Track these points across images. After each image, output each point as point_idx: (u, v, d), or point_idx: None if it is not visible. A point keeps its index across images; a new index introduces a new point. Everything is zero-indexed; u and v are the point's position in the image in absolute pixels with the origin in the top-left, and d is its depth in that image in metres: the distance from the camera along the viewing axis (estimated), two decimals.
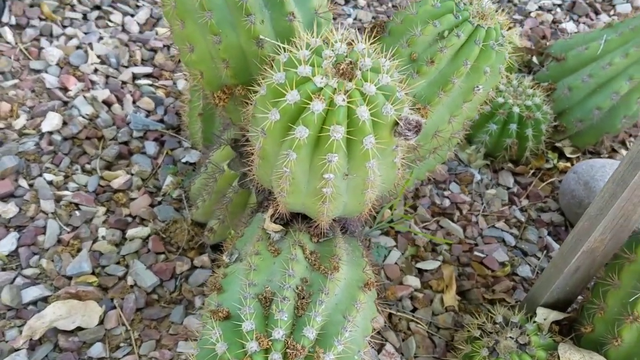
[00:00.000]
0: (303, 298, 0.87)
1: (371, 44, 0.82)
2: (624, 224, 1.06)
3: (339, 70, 0.76)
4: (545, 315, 1.19)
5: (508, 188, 1.63)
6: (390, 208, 1.44)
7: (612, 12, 2.25)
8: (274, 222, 0.97)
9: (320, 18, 0.97)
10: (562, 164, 1.70)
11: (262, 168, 0.89)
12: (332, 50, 0.79)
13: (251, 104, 0.85)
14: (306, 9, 0.96)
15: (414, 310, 1.32)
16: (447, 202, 1.55)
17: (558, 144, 1.75)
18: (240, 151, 1.12)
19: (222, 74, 0.96)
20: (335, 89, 0.75)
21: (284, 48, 0.81)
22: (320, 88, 0.75)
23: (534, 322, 1.16)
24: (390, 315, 1.30)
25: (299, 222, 0.98)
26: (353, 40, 0.82)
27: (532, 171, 1.69)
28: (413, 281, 1.35)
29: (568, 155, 1.73)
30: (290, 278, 0.88)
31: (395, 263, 1.39)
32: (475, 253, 1.45)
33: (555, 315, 1.20)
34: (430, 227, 1.48)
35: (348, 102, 0.75)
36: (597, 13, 2.24)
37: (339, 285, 0.91)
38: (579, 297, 1.23)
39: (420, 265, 1.40)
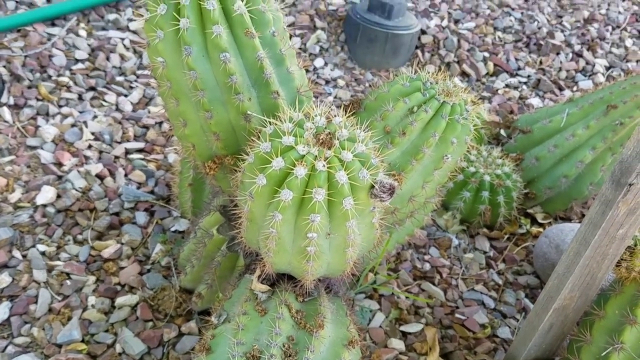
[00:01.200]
0: (290, 356, 0.91)
1: (348, 117, 0.92)
2: (591, 282, 1.13)
3: (319, 140, 0.85)
4: None
5: (485, 252, 1.70)
6: (373, 271, 1.50)
7: (575, 88, 2.43)
8: (261, 282, 1.02)
9: (301, 96, 1.07)
10: (534, 229, 1.79)
11: (250, 230, 0.96)
12: (313, 123, 0.89)
13: (240, 171, 0.92)
14: (289, 88, 1.06)
15: None
16: (427, 266, 1.61)
17: (530, 210, 1.85)
18: (229, 216, 1.19)
19: (213, 145, 1.05)
20: (316, 156, 0.84)
21: (269, 122, 0.91)
22: (303, 155, 0.84)
23: None
24: None
25: (285, 282, 1.03)
26: (330, 115, 0.92)
27: (506, 236, 1.77)
28: (397, 344, 1.39)
29: (540, 221, 1.82)
30: (277, 336, 0.92)
31: (380, 326, 1.43)
32: (457, 315, 1.49)
33: None
34: (412, 290, 1.53)
35: (328, 168, 0.83)
36: (560, 89, 2.42)
37: (324, 343, 0.96)
38: (556, 357, 1.28)
39: (404, 328, 1.44)
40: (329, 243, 0.91)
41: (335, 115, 0.90)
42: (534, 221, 1.84)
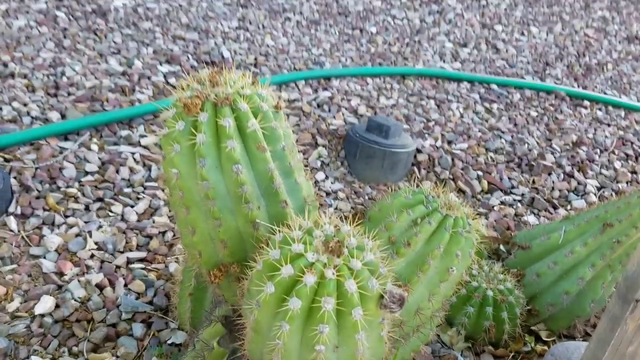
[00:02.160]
0: None
1: (355, 226, 0.95)
2: None
3: (328, 247, 0.87)
4: None
5: None
6: None
7: (568, 207, 2.49)
8: None
9: (309, 205, 1.11)
10: (539, 347, 1.75)
11: (254, 342, 0.94)
12: (322, 231, 0.91)
13: (247, 279, 0.93)
14: (297, 198, 1.10)
15: None
16: None
17: (534, 328, 1.82)
18: (231, 328, 1.17)
19: (220, 253, 1.06)
20: (325, 264, 0.85)
21: (278, 230, 0.93)
22: (312, 263, 0.85)
23: None
24: None
25: None
26: (339, 224, 0.95)
27: (512, 354, 1.72)
28: None
29: (544, 339, 1.79)
30: None
31: None
32: None
33: None
34: None
35: (337, 276, 0.84)
36: (555, 207, 2.48)
37: None
38: None
39: None
40: (337, 357, 0.90)
41: (343, 224, 0.93)
42: (537, 339, 1.80)
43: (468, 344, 1.72)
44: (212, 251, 1.08)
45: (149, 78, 2.68)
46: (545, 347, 1.75)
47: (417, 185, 1.21)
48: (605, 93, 3.74)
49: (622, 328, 0.99)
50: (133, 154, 2.17)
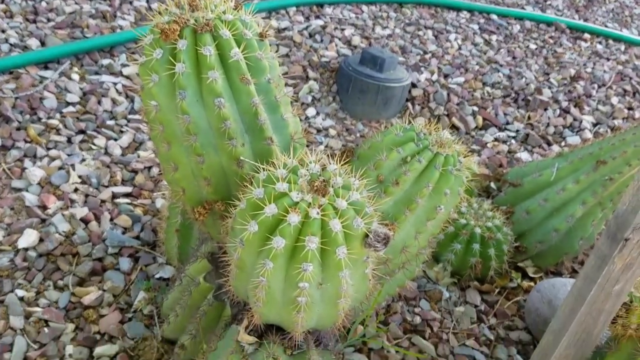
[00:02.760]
0: None
1: (342, 165, 0.91)
2: (587, 339, 1.10)
3: (313, 187, 0.84)
4: None
5: (476, 306, 1.67)
6: (363, 324, 1.46)
7: (562, 144, 2.46)
8: (248, 334, 0.98)
9: (295, 143, 1.07)
10: (525, 284, 1.77)
11: (238, 279, 0.93)
12: (307, 170, 0.87)
13: (231, 217, 0.90)
14: (283, 135, 1.05)
15: None
16: (418, 319, 1.57)
17: (521, 264, 1.83)
18: (217, 264, 1.15)
19: (204, 190, 1.03)
20: (310, 203, 0.82)
21: (263, 168, 0.89)
22: (296, 202, 0.82)
23: None
24: None
25: (273, 334, 0.99)
26: (325, 163, 0.91)
27: (497, 290, 1.74)
28: None
29: (531, 275, 1.80)
30: None
31: None
32: None
33: None
34: (402, 344, 1.49)
35: (322, 215, 0.81)
36: (549, 144, 2.45)
37: None
38: None
39: None
40: (321, 294, 0.88)
41: (329, 163, 0.89)
42: (524, 275, 1.81)
43: (454, 279, 1.74)
44: (195, 188, 1.05)
45: (130, 3, 2.55)
46: (532, 284, 1.77)
47: (410, 122, 1.16)
48: (606, 26, 3.63)
49: (609, 267, 0.99)
50: (115, 84, 2.09)
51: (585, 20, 3.64)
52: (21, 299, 1.38)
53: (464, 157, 1.14)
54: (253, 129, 1.00)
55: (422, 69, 2.65)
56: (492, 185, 1.99)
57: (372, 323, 1.51)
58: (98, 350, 1.32)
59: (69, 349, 1.31)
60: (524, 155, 2.32)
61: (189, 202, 1.07)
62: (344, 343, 1.40)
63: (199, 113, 0.94)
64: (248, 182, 0.90)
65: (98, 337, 1.36)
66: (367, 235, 0.83)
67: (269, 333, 1.00)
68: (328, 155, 0.93)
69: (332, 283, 0.86)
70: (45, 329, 1.33)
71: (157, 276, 1.53)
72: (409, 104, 2.45)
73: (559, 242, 1.79)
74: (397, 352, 1.47)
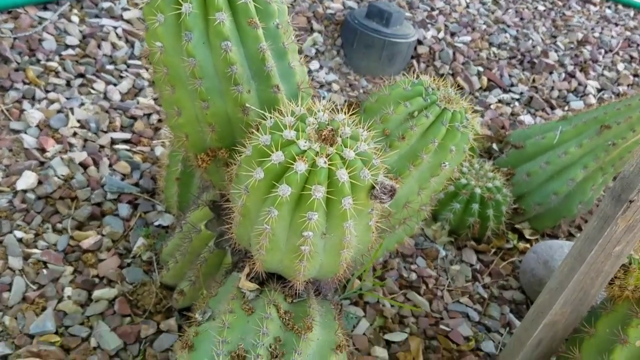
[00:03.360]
0: (276, 357, 0.87)
1: (350, 115, 0.89)
2: (583, 298, 1.12)
3: (321, 136, 0.82)
4: None
5: (471, 265, 1.69)
6: (360, 278, 1.47)
7: (566, 108, 2.44)
8: (250, 281, 0.99)
9: (302, 92, 1.05)
10: (521, 245, 1.78)
11: (242, 226, 0.92)
12: (315, 119, 0.86)
13: (235, 164, 0.89)
14: (290, 83, 1.03)
15: None
16: (414, 276, 1.59)
17: (518, 226, 1.84)
18: (219, 212, 1.15)
19: (207, 137, 1.01)
20: (318, 152, 0.81)
21: (270, 115, 0.88)
22: (304, 151, 0.81)
23: None
24: None
25: (274, 281, 1.00)
26: (333, 112, 0.89)
27: (493, 250, 1.76)
28: (381, 352, 1.36)
29: (527, 237, 1.82)
30: (264, 336, 0.89)
31: (364, 334, 1.40)
32: (441, 327, 1.47)
33: None
34: (397, 299, 1.51)
35: (329, 165, 0.80)
36: (552, 108, 2.43)
37: (312, 346, 0.92)
38: None
39: (388, 336, 1.41)
40: (324, 243, 0.88)
41: (337, 113, 0.88)
42: (521, 237, 1.83)
43: (451, 238, 1.75)
44: (199, 135, 1.03)
45: None
46: (528, 245, 1.78)
47: (418, 77, 1.14)
48: None
49: (611, 228, 0.99)
50: (115, 28, 2.04)
51: None
52: (20, 240, 1.38)
53: (471, 113, 1.13)
54: (260, 76, 0.97)
55: (429, 25, 2.60)
56: (494, 146, 1.98)
57: (369, 278, 1.53)
58: (97, 293, 1.33)
59: (68, 290, 1.32)
60: (526, 118, 2.31)
61: (192, 148, 1.06)
62: (341, 295, 1.41)
63: (205, 56, 0.92)
64: (254, 129, 0.89)
65: (97, 280, 1.37)
66: (373, 187, 0.83)
67: (270, 281, 1.00)
68: (335, 107, 0.92)
69: (336, 233, 0.86)
70: (44, 271, 1.34)
71: (156, 224, 1.53)
72: (414, 62, 2.41)
73: (558, 205, 1.80)
74: (392, 305, 1.49)
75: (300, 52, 2.25)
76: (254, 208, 0.86)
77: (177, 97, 0.99)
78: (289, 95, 1.03)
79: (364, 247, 0.96)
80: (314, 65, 2.28)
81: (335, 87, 2.22)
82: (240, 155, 0.88)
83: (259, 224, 0.85)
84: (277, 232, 0.85)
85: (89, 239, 1.43)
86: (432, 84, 1.11)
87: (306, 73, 1.08)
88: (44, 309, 1.27)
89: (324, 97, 2.13)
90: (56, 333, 1.23)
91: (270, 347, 0.88)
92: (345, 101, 2.16)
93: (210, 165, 1.06)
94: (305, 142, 0.82)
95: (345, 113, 0.90)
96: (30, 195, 1.48)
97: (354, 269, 1.16)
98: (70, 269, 1.37)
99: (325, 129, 0.83)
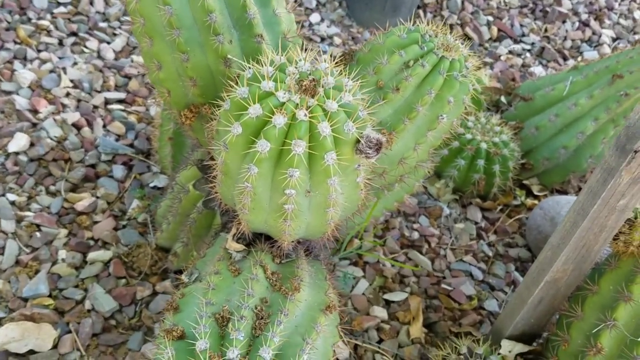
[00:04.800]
0: (262, 318, 0.85)
1: (336, 64, 0.84)
2: (586, 254, 1.07)
3: (302, 86, 0.77)
4: (510, 348, 1.18)
5: (476, 223, 1.64)
6: (358, 237, 1.44)
7: (579, 59, 2.34)
8: (237, 241, 0.96)
9: (288, 42, 0.99)
10: (529, 201, 1.73)
11: (224, 184, 0.89)
12: (296, 68, 0.80)
13: (215, 119, 0.85)
14: (275, 32, 0.97)
15: (380, 341, 1.30)
16: (416, 235, 1.55)
17: (525, 182, 1.78)
18: (206, 171, 1.11)
19: (189, 92, 0.96)
20: (298, 104, 0.76)
21: (249, 66, 0.82)
22: (283, 103, 0.76)
23: (499, 354, 1.14)
24: (355, 346, 1.27)
25: (261, 242, 0.97)
26: (316, 61, 0.84)
27: (499, 207, 1.71)
28: (380, 312, 1.34)
29: (535, 193, 1.76)
30: (249, 297, 0.86)
31: (363, 294, 1.37)
32: (443, 286, 1.44)
33: (520, 347, 1.19)
34: (398, 258, 1.48)
35: (310, 118, 0.75)
36: (565, 59, 2.33)
37: (300, 307, 0.90)
38: (545, 333, 1.23)
39: (387, 296, 1.38)
40: (309, 202, 0.84)
41: (321, 61, 0.82)
42: (529, 193, 1.77)
43: (455, 196, 1.70)
44: (181, 90, 0.98)
45: None
46: (536, 202, 1.73)
47: (414, 23, 1.07)
48: None
49: (615, 180, 0.93)
50: None
51: None
52: (12, 203, 1.36)
53: (477, 69, 1.06)
54: (241, 25, 0.92)
55: None
56: (503, 99, 1.90)
57: (368, 237, 1.49)
58: (91, 255, 1.31)
59: (62, 253, 1.30)
60: (538, 70, 2.21)
61: (175, 105, 1.01)
62: (338, 255, 1.38)
63: (181, 4, 0.87)
64: (234, 81, 0.84)
65: (91, 243, 1.35)
66: (358, 141, 0.78)
67: (257, 241, 0.97)
68: (320, 55, 0.86)
69: (320, 191, 0.81)
70: (37, 234, 1.32)
71: (151, 185, 1.50)
72: (420, 12, 2.31)
73: (567, 159, 1.73)
74: (392, 265, 1.46)
75: (300, 4, 2.16)
76: (234, 165, 0.82)
77: (155, 50, 0.94)
78: (275, 46, 0.97)
79: (353, 205, 0.92)
80: (315, 17, 2.19)
81: (337, 40, 2.14)
82: (219, 110, 0.83)
83: (240, 182, 0.81)
84: (258, 191, 0.81)
85: (83, 201, 1.41)
86: (429, 30, 1.04)
87: (294, 21, 1.02)
88: (37, 272, 1.26)
89: (325, 52, 2.05)
90: (50, 296, 1.23)
91: (256, 308, 0.86)
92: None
93: (195, 122, 1.02)
94: (285, 94, 0.76)
95: (330, 62, 0.84)
96: (23, 158, 1.45)
97: (347, 228, 1.12)
98: (64, 231, 1.35)
99: (306, 78, 0.78)
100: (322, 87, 0.78)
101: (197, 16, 0.88)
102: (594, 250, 1.06)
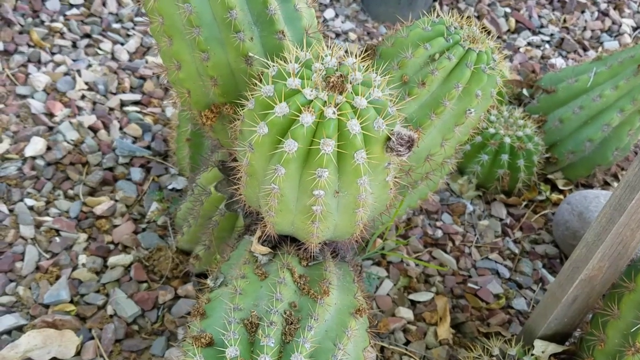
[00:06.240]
0: (291, 323, 0.82)
1: (362, 59, 0.81)
2: (622, 251, 1.03)
3: (329, 83, 0.74)
4: (543, 348, 1.14)
5: (501, 219, 1.60)
6: (382, 237, 1.40)
7: (599, 49, 2.28)
8: (262, 244, 0.93)
9: (310, 38, 0.96)
10: (554, 196, 1.68)
11: (249, 186, 0.86)
12: (322, 64, 0.77)
13: (239, 119, 0.82)
14: (296, 28, 0.94)
15: (407, 343, 1.27)
16: (439, 233, 1.52)
17: (550, 176, 1.74)
18: (228, 172, 1.09)
19: (210, 92, 0.94)
20: (325, 101, 0.73)
21: (273, 63, 0.80)
22: (310, 101, 0.73)
23: (532, 355, 1.11)
24: (382, 348, 1.24)
25: (287, 244, 0.94)
26: (342, 56, 0.81)
27: (524, 203, 1.67)
28: (406, 313, 1.31)
29: (560, 188, 1.72)
30: (277, 302, 0.83)
31: (387, 294, 1.34)
32: (469, 285, 1.40)
33: (554, 347, 1.15)
34: (422, 257, 1.44)
35: (339, 115, 0.72)
36: (585, 50, 2.28)
37: (329, 311, 0.87)
38: (577, 331, 1.19)
39: (412, 296, 1.35)
40: (338, 202, 0.81)
41: (347, 57, 0.79)
42: (554, 188, 1.73)
43: (479, 192, 1.66)
44: (201, 90, 0.96)
45: None
46: (561, 197, 1.68)
47: (438, 15, 1.03)
48: None
49: None
50: None
51: None
52: (31, 208, 1.35)
53: (499, 54, 1.03)
54: (262, 21, 0.89)
55: None
56: (524, 92, 1.86)
57: (391, 236, 1.46)
58: (112, 259, 1.29)
59: (82, 258, 1.29)
60: (558, 61, 2.16)
61: (195, 105, 0.99)
62: (362, 256, 1.35)
63: (201, 1, 0.84)
64: (257, 79, 0.81)
65: (112, 247, 1.33)
66: (389, 138, 0.75)
67: (283, 244, 0.95)
68: (347, 52, 0.83)
69: (349, 191, 0.78)
70: (57, 239, 1.31)
71: (169, 187, 1.48)
72: (437, 5, 2.27)
73: (592, 152, 1.69)
74: (417, 265, 1.42)
75: None
76: (260, 166, 0.79)
77: (175, 49, 0.91)
78: (296, 42, 0.94)
79: (382, 205, 0.89)
80: (329, 13, 2.16)
81: (352, 36, 2.11)
82: (243, 109, 0.81)
83: (267, 184, 0.78)
84: (285, 192, 0.78)
85: (102, 205, 1.39)
86: (454, 22, 1.01)
87: (314, 16, 0.99)
88: (57, 277, 1.24)
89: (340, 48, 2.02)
90: (71, 302, 1.21)
91: (285, 313, 0.83)
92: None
93: (216, 122, 0.99)
94: (312, 91, 0.74)
95: (356, 57, 0.81)
96: (40, 162, 1.44)
97: (373, 228, 1.09)
98: (84, 236, 1.33)
99: (334, 74, 0.75)
100: (350, 83, 0.75)
101: (217, 13, 0.86)
102: (630, 246, 1.02)
